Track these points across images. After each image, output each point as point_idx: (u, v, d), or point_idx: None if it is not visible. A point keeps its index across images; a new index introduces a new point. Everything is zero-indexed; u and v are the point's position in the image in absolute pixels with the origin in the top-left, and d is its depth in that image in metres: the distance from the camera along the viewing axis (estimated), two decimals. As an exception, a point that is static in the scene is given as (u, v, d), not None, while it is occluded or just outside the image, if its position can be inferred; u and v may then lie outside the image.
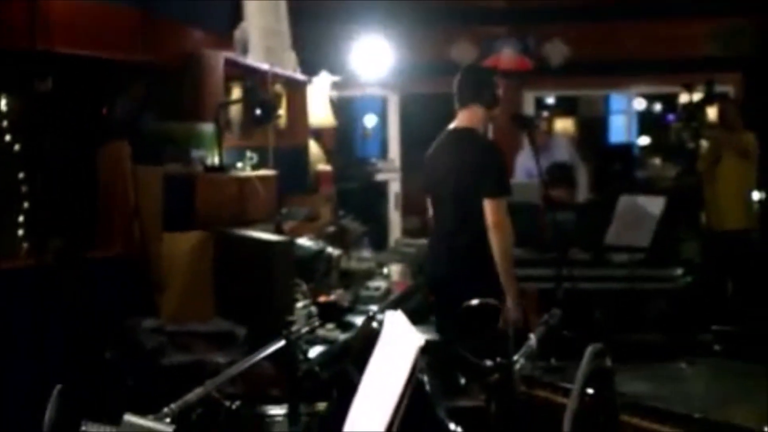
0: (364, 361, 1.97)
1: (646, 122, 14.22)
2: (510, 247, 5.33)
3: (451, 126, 5.63)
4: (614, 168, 9.75)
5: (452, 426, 1.92)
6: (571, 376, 2.77)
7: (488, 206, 5.25)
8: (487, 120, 5.68)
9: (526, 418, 2.52)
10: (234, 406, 2.39)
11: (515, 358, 2.39)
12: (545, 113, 11.17)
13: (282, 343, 2.85)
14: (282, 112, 7.24)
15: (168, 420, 2.17)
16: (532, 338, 2.69)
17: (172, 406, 2.27)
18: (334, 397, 2.71)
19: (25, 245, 5.04)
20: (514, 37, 10.69)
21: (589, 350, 1.87)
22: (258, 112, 5.88)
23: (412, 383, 1.74)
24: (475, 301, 2.43)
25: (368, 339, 1.98)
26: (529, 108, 11.10)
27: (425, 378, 1.82)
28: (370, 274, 6.48)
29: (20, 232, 5.08)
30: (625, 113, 13.35)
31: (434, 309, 5.32)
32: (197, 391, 2.37)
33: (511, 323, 4.93)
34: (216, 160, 5.62)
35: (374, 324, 1.97)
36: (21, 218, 5.09)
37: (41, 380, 4.14)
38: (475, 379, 2.94)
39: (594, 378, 1.91)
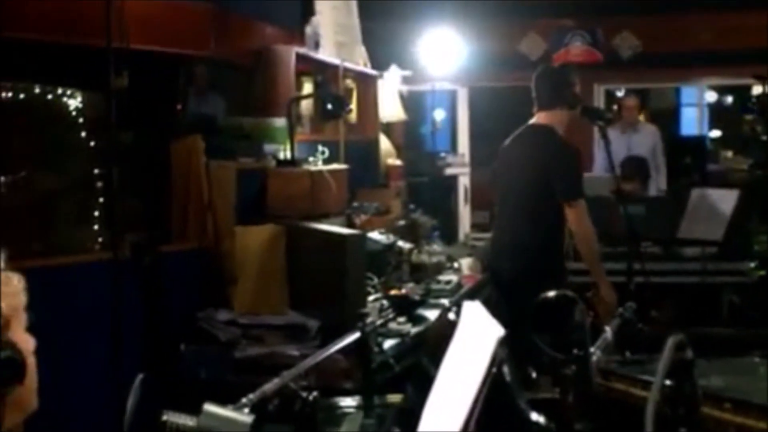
0: (440, 353, 1.97)
1: (717, 114, 14.04)
2: (596, 247, 5.39)
3: (530, 122, 5.62)
4: (686, 161, 9.64)
5: (534, 416, 1.92)
6: (647, 369, 2.76)
7: (569, 212, 5.28)
8: (569, 120, 5.63)
9: (604, 410, 2.51)
10: (311, 397, 2.40)
11: (592, 350, 2.38)
12: (614, 107, 11.09)
13: (357, 335, 2.87)
14: (353, 106, 7.27)
15: (246, 410, 2.19)
16: (608, 331, 2.68)
17: (251, 396, 2.29)
18: (409, 389, 2.71)
19: (100, 240, 5.12)
20: (584, 30, 10.62)
21: (670, 341, 1.86)
22: (329, 106, 5.91)
23: (492, 374, 1.75)
24: (551, 293, 2.43)
25: (444, 330, 1.98)
26: (599, 101, 11.02)
27: (505, 369, 1.82)
28: (440, 268, 6.49)
29: (96, 227, 5.16)
30: (696, 105, 13.20)
31: (498, 302, 5.34)
32: (274, 382, 2.39)
33: (608, 313, 4.94)
34: (288, 155, 5.66)
35: (451, 315, 1.96)
36: (96, 213, 5.16)
37: (118, 371, 4.20)
38: (547, 371, 2.93)
39: (675, 369, 1.91)
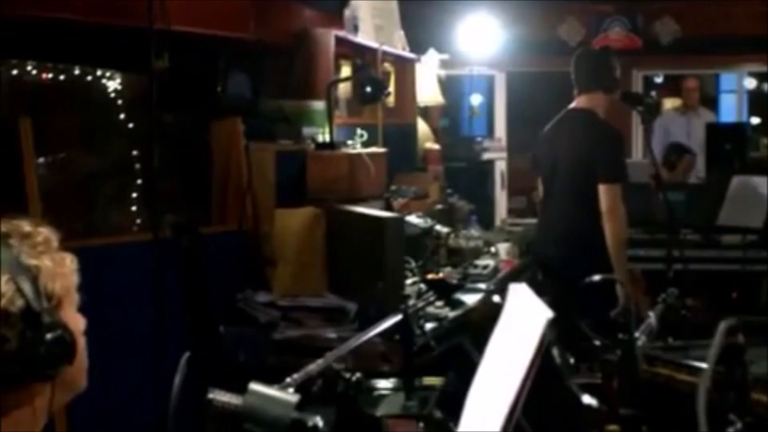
0: (483, 336, 1.97)
1: (756, 101, 13.90)
2: (623, 234, 5.31)
3: (571, 106, 5.59)
4: (726, 148, 9.55)
5: (586, 398, 1.91)
6: (691, 355, 2.75)
7: (602, 192, 5.22)
8: (608, 104, 5.60)
9: (648, 395, 2.50)
10: (354, 378, 2.41)
11: (636, 335, 2.37)
12: (653, 92, 11.01)
13: (399, 317, 2.87)
14: (391, 90, 7.26)
15: (291, 390, 2.19)
16: (652, 316, 2.67)
17: (295, 376, 2.29)
18: (450, 372, 2.71)
19: (140, 220, 5.15)
20: (623, 15, 10.52)
21: (722, 326, 1.85)
22: (368, 90, 5.89)
23: (540, 356, 1.74)
24: (596, 277, 2.42)
25: (488, 313, 1.97)
26: (637, 87, 10.95)
27: (555, 351, 1.81)
28: (477, 253, 6.47)
29: (136, 207, 5.19)
30: (735, 92, 13.07)
31: (543, 288, 5.30)
32: (318, 363, 2.40)
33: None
34: (327, 138, 5.66)
35: (495, 298, 1.96)
36: (136, 194, 5.20)
37: (158, 351, 4.22)
38: (588, 357, 2.92)
39: (726, 355, 1.89)
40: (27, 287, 1.60)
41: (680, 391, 2.55)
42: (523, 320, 1.85)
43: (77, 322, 1.73)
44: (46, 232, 1.72)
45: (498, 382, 1.81)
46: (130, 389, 4.25)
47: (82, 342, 1.75)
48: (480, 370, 1.89)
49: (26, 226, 1.70)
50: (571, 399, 1.88)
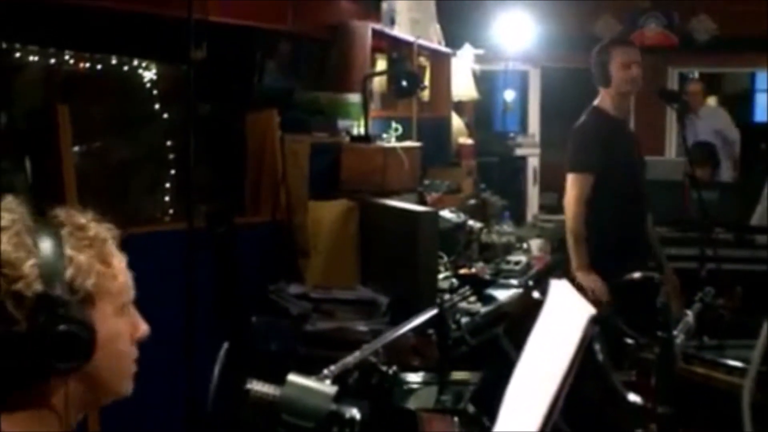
0: (521, 332, 1.96)
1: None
2: (570, 224, 5.37)
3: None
4: (761, 147, 9.51)
5: (631, 396, 1.90)
6: (727, 354, 2.74)
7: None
8: (612, 98, 5.59)
9: (685, 394, 2.49)
10: (390, 371, 2.41)
11: (675, 333, 2.36)
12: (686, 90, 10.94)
13: (435, 311, 2.87)
14: (426, 84, 7.25)
15: (328, 382, 2.20)
16: (689, 314, 2.65)
17: (332, 368, 2.30)
18: (485, 368, 2.71)
19: (174, 210, 5.17)
20: (659, 12, 10.47)
21: (766, 327, 1.83)
22: (404, 83, 5.88)
23: (582, 353, 1.73)
24: (636, 274, 2.41)
25: (527, 309, 1.96)
26: (672, 84, 10.89)
27: (597, 347, 1.80)
28: (510, 248, 6.46)
29: (170, 197, 5.21)
30: (769, 91, 13.01)
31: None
32: (355, 355, 2.40)
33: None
34: (362, 131, 5.67)
35: (535, 294, 1.94)
36: (170, 183, 5.22)
37: (190, 341, 4.24)
38: (622, 355, 2.91)
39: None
40: (52, 275, 1.58)
41: (718, 390, 2.54)
42: (565, 316, 1.84)
43: (113, 326, 1.68)
44: (99, 230, 1.69)
45: (537, 378, 1.79)
46: (160, 378, 4.26)
47: (123, 346, 1.71)
48: (519, 367, 1.88)
49: (82, 219, 1.69)
50: (615, 396, 1.87)
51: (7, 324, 1.55)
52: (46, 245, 1.61)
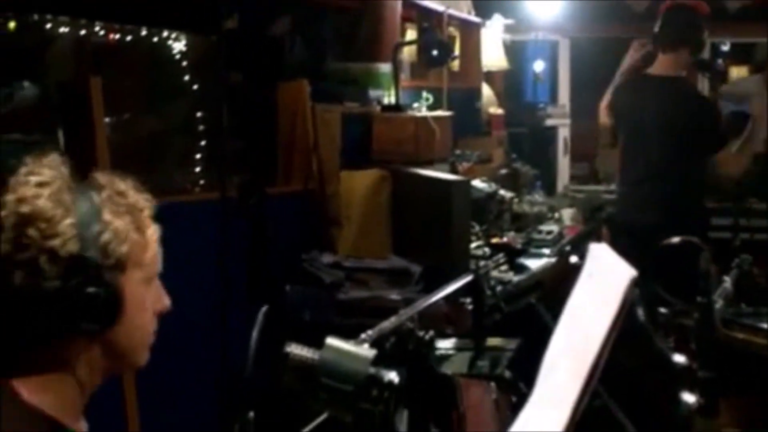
0: (558, 296, 1.95)
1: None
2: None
3: (655, 72, 5.45)
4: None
5: (677, 357, 1.89)
6: (766, 320, 2.72)
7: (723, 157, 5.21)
8: (688, 67, 5.49)
9: (725, 359, 2.47)
10: (427, 337, 2.40)
11: (714, 298, 2.35)
12: (719, 60, 10.82)
13: (470, 277, 2.86)
14: (456, 53, 7.22)
15: (366, 345, 2.19)
16: (728, 281, 2.64)
17: (369, 332, 2.29)
18: (523, 333, 2.70)
19: (205, 180, 5.18)
20: (691, -19, 10.36)
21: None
22: (434, 53, 5.85)
23: (623, 315, 1.72)
24: (676, 239, 2.39)
25: (564, 274, 1.95)
26: (705, 55, 10.78)
27: (640, 310, 1.78)
28: (541, 218, 6.44)
29: (202, 167, 5.22)
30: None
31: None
32: (391, 320, 2.40)
33: None
34: (393, 100, 5.65)
35: (573, 259, 1.93)
36: (202, 154, 5.22)
37: (224, 310, 4.26)
38: (660, 321, 2.90)
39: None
40: (89, 237, 1.59)
41: (759, 355, 2.52)
42: (605, 279, 1.82)
43: (140, 295, 1.69)
44: (138, 198, 1.71)
45: (577, 342, 1.77)
46: (194, 347, 4.28)
47: (146, 317, 1.72)
48: (557, 331, 1.86)
49: (122, 186, 1.70)
50: (660, 358, 1.86)
51: (37, 278, 1.55)
52: (85, 206, 1.61)
